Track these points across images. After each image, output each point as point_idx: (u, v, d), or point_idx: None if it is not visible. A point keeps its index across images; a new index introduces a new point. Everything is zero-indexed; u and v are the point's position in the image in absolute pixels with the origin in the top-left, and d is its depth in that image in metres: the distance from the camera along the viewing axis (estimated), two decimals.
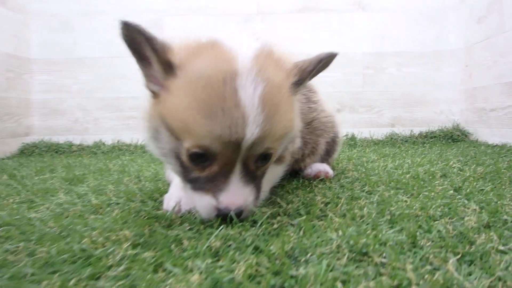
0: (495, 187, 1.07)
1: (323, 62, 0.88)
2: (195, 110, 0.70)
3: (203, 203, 0.76)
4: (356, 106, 2.84)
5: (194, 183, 0.78)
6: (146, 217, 0.84)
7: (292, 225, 0.75)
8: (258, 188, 0.82)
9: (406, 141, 2.64)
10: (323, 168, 1.29)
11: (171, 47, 0.78)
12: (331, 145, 1.37)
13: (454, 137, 2.61)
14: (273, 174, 1.02)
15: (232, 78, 0.71)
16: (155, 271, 0.55)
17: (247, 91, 0.71)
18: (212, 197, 0.75)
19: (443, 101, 2.84)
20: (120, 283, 0.52)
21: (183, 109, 0.72)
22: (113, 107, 2.77)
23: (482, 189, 1.04)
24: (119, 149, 2.58)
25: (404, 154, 1.95)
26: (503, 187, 1.08)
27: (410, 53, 2.81)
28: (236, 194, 0.75)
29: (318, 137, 1.28)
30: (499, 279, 0.51)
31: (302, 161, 1.29)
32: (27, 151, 2.52)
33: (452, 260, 0.55)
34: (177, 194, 0.90)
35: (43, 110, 2.76)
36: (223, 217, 0.74)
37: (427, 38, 2.81)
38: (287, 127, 0.82)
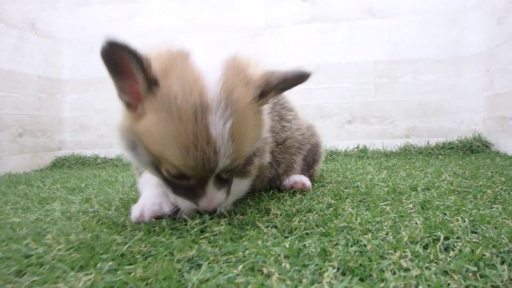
0: (464, 202, 1.04)
1: (290, 81, 0.87)
2: (170, 140, 0.76)
3: (185, 205, 0.90)
4: (368, 117, 2.79)
5: (175, 188, 0.89)
6: (103, 224, 0.93)
7: (215, 234, 0.80)
8: (228, 189, 0.94)
9: (420, 153, 2.55)
10: (299, 179, 1.31)
11: (152, 64, 0.78)
12: (311, 157, 1.39)
13: (474, 148, 2.47)
14: (238, 188, 1.07)
15: (203, 114, 0.76)
16: (65, 271, 0.63)
17: (217, 127, 0.77)
18: (193, 202, 0.88)
19: (463, 109, 2.68)
20: (35, 279, 0.61)
21: (159, 137, 0.78)
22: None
23: (444, 203, 1.02)
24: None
25: (407, 167, 1.91)
26: (473, 202, 1.05)
27: (426, 59, 2.70)
28: (212, 199, 0.87)
29: (293, 156, 1.31)
30: None
31: (278, 179, 1.32)
32: (59, 164, 2.77)
33: (328, 273, 0.58)
34: (141, 203, 0.96)
35: (73, 126, 3.04)
36: (204, 214, 0.89)
37: (445, 42, 2.68)
38: (254, 143, 0.92)
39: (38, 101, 2.74)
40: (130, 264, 0.65)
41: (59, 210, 1.12)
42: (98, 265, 0.64)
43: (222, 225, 0.84)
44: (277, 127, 1.20)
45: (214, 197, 0.88)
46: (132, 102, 0.82)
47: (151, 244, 0.74)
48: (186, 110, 0.75)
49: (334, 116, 2.82)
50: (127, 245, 0.73)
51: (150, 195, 0.98)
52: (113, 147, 2.98)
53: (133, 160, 0.94)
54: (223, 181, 0.89)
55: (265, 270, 0.61)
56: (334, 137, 2.76)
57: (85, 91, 3.02)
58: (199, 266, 0.64)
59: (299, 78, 0.87)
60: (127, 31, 2.95)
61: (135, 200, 1.21)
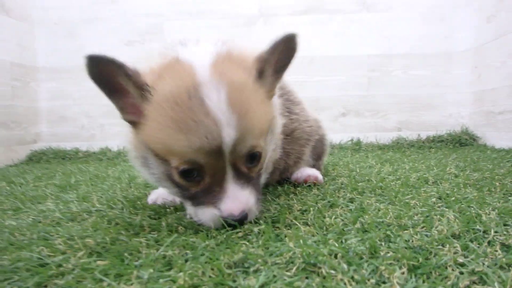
0: (482, 194, 1.03)
1: (280, 48, 0.83)
2: (171, 129, 0.72)
3: (207, 216, 0.78)
4: (362, 110, 2.79)
5: (194, 199, 0.80)
6: (117, 225, 0.84)
7: (255, 233, 0.75)
8: (257, 190, 0.83)
9: (412, 146, 2.57)
10: (312, 173, 1.27)
11: (140, 72, 0.78)
12: (319, 149, 1.36)
13: (462, 141, 2.53)
14: None
15: (195, 90, 0.73)
16: (99, 281, 0.55)
17: (212, 98, 0.73)
18: (214, 207, 0.76)
19: (451, 104, 2.74)
20: None
21: (160, 131, 0.74)
22: (117, 114, 2.79)
23: (467, 197, 1.00)
24: (124, 155, 2.62)
25: (406, 160, 1.91)
26: (490, 194, 1.04)
27: (417, 55, 2.73)
28: (236, 199, 0.77)
29: (302, 147, 1.27)
30: None
31: (288, 170, 1.28)
32: (35, 158, 2.59)
33: (397, 273, 0.54)
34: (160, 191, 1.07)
35: (50, 117, 2.82)
36: (230, 224, 0.76)
37: (435, 38, 2.71)
38: (265, 120, 0.83)
39: (11, 90, 2.52)
40: (170, 270, 0.58)
41: (58, 210, 1.02)
42: (134, 273, 0.56)
43: (259, 224, 0.78)
44: (285, 119, 1.16)
45: (238, 196, 0.77)
46: (136, 119, 0.80)
47: (184, 247, 0.67)
48: (179, 95, 0.73)
49: (328, 109, 2.79)
50: (160, 250, 0.65)
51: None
52: (95, 139, 2.82)
53: (149, 178, 0.89)
54: (245, 176, 0.80)
55: (323, 271, 0.55)
56: (328, 130, 2.71)
57: (63, 79, 2.80)
58: (247, 269, 0.58)
59: (287, 42, 0.83)
60: (109, 16, 2.76)
61: (140, 198, 1.14)
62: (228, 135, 0.73)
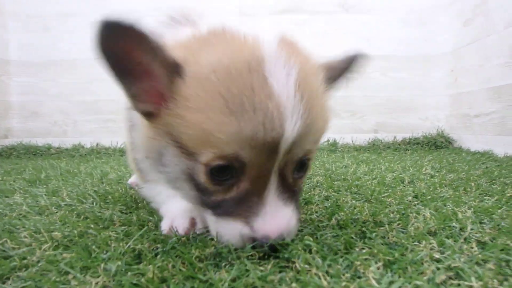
0: (458, 194, 1.05)
1: (348, 64, 0.78)
2: (215, 110, 0.55)
3: (232, 232, 0.60)
4: (339, 111, 2.81)
5: (217, 208, 0.62)
6: (87, 219, 0.81)
7: None
8: (298, 209, 0.67)
9: (388, 147, 2.62)
10: None
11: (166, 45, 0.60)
12: None
13: (438, 143, 2.59)
14: None
15: (258, 64, 0.56)
16: (65, 273, 0.53)
17: (279, 78, 0.56)
18: (244, 224, 0.59)
19: (429, 107, 2.79)
20: (25, 284, 0.50)
21: (199, 112, 0.56)
22: (92, 110, 2.76)
23: (443, 196, 1.02)
24: (97, 152, 2.56)
25: (382, 160, 1.93)
26: (466, 194, 1.06)
27: (396, 57, 2.77)
28: (277, 217, 0.59)
29: None
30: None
31: None
32: (5, 154, 2.50)
33: (373, 268, 0.53)
34: (171, 217, 0.74)
35: (22, 112, 2.74)
36: (260, 246, 0.58)
37: (414, 41, 2.75)
38: (326, 123, 0.68)
39: None
40: (140, 263, 0.55)
41: (26, 204, 0.97)
42: (102, 265, 0.54)
43: None
44: None
45: (279, 214, 0.60)
46: (155, 109, 0.61)
47: (155, 241, 0.65)
48: (235, 65, 0.56)
49: None
50: (129, 243, 0.63)
51: (179, 207, 0.76)
52: (67, 135, 2.74)
53: (161, 178, 0.69)
54: (290, 189, 0.63)
55: (297, 266, 0.55)
56: None
57: (36, 74, 2.72)
58: (219, 263, 0.56)
59: (356, 62, 0.79)
60: (85, 11, 2.69)
61: (111, 193, 1.10)
62: (292, 127, 0.56)
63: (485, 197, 1.02)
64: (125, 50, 0.56)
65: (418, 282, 0.50)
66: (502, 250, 0.61)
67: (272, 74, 0.56)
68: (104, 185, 1.28)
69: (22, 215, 0.87)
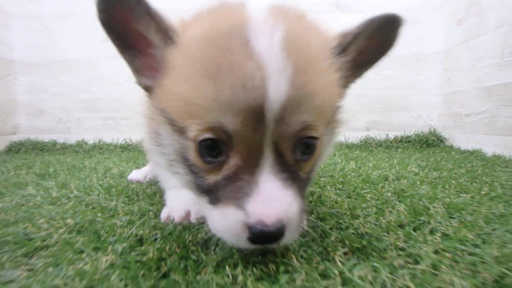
0: (436, 191, 1.13)
1: (375, 31, 0.69)
2: (195, 77, 0.53)
3: (226, 223, 0.54)
4: None
5: (211, 193, 0.57)
6: (94, 209, 0.91)
7: None
8: (302, 197, 0.58)
9: (380, 145, 2.69)
10: None
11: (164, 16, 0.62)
12: None
13: (429, 142, 2.65)
14: None
15: (241, 27, 0.54)
16: (80, 252, 0.63)
17: (262, 38, 0.53)
18: (236, 207, 0.52)
19: (421, 105, 2.84)
20: (47, 260, 0.60)
21: (182, 82, 0.55)
22: (93, 108, 2.85)
23: (420, 193, 1.10)
24: (100, 148, 2.67)
25: (371, 158, 2.01)
26: (444, 191, 1.14)
27: (389, 56, 2.80)
28: (271, 199, 0.52)
29: None
30: (375, 269, 0.58)
31: None
32: (14, 149, 2.61)
33: (340, 253, 0.62)
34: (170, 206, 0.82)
35: (29, 110, 2.85)
36: (259, 239, 0.51)
37: (407, 40, 2.72)
38: (331, 98, 0.61)
39: None
40: (142, 246, 0.65)
41: (39, 195, 1.07)
42: (110, 247, 0.64)
43: None
44: None
45: (275, 195, 0.52)
46: (153, 82, 0.63)
47: (154, 228, 0.74)
48: (216, 32, 0.55)
49: None
50: (132, 229, 0.72)
51: (179, 199, 0.81)
52: (71, 132, 2.85)
53: (162, 162, 0.67)
54: (290, 170, 0.56)
55: (276, 251, 0.63)
56: None
57: (39, 73, 2.83)
58: (209, 246, 0.65)
59: (386, 26, 0.71)
60: (85, 12, 2.76)
61: (114, 186, 1.19)
62: (277, 87, 0.50)
63: (461, 194, 1.10)
64: (122, 18, 0.59)
65: (376, 265, 0.58)
66: (460, 241, 0.69)
67: (255, 35, 0.53)
68: (107, 179, 1.37)
69: (37, 205, 0.96)
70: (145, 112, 0.69)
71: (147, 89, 0.66)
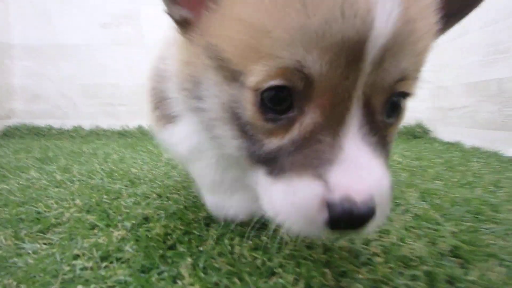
0: (414, 178, 1.23)
1: None
2: (268, 5, 0.39)
3: (295, 200, 0.40)
4: None
5: (272, 163, 0.43)
6: (99, 191, 0.98)
7: None
8: (387, 163, 0.44)
9: None
10: None
11: None
12: None
13: (416, 133, 2.77)
14: None
15: None
16: (92, 228, 0.70)
17: None
18: (313, 178, 0.39)
19: (410, 99, 2.95)
20: (62, 235, 0.67)
21: (252, 5, 0.41)
22: (92, 94, 2.89)
23: (399, 179, 1.20)
24: (96, 133, 2.72)
25: None
26: (420, 178, 1.24)
27: None
28: (363, 168, 0.39)
29: None
30: (352, 242, 0.67)
31: None
32: (9, 133, 2.64)
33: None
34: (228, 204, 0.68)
35: (25, 94, 2.86)
36: (344, 222, 0.38)
37: None
38: (430, 39, 0.48)
39: None
40: (148, 223, 0.73)
41: (44, 178, 1.14)
42: (119, 224, 0.71)
43: None
44: None
45: (367, 164, 0.39)
46: (192, 14, 0.49)
47: (158, 208, 0.82)
48: None
49: None
50: (138, 209, 0.80)
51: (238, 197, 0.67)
52: (68, 118, 2.88)
53: (199, 121, 0.53)
54: (380, 134, 0.43)
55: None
56: None
57: (37, 58, 2.84)
58: (210, 223, 0.73)
59: None
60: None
61: (115, 171, 1.26)
62: (386, 18, 0.37)
63: (435, 181, 1.20)
64: None
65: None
66: (427, 220, 0.80)
67: None
68: (108, 163, 1.44)
69: (43, 188, 1.03)
70: (176, 56, 0.54)
71: (183, 22, 0.50)
